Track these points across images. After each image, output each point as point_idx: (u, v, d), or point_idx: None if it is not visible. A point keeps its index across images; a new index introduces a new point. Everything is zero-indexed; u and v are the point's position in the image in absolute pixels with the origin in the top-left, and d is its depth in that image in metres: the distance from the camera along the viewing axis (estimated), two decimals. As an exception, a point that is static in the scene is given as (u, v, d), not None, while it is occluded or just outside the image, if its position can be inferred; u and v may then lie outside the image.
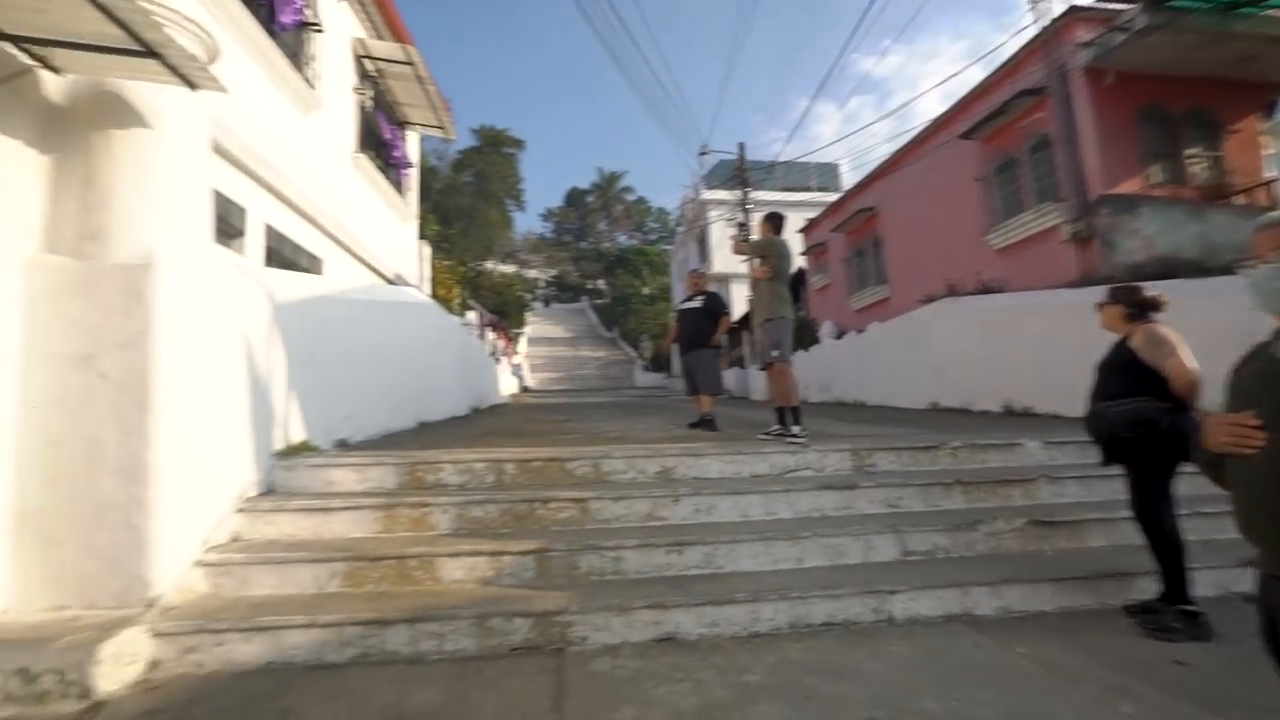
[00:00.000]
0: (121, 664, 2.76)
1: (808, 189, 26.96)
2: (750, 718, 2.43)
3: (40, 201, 3.23)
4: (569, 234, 62.98)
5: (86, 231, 3.20)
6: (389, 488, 4.13)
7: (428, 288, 12.57)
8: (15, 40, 2.85)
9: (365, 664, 2.98)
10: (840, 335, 14.56)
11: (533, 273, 53.67)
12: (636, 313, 31.99)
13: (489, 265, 37.73)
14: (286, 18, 6.30)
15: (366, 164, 8.64)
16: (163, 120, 3.45)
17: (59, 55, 2.95)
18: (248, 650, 2.96)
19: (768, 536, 3.65)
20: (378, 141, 9.44)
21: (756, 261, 5.52)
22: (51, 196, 3.27)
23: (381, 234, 9.43)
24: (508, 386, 15.29)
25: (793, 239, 6.33)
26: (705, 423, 6.34)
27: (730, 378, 18.93)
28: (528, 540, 3.57)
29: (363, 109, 8.84)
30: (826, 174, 29.21)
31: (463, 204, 36.93)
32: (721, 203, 23.54)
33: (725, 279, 24.32)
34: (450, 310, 13.22)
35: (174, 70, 2.96)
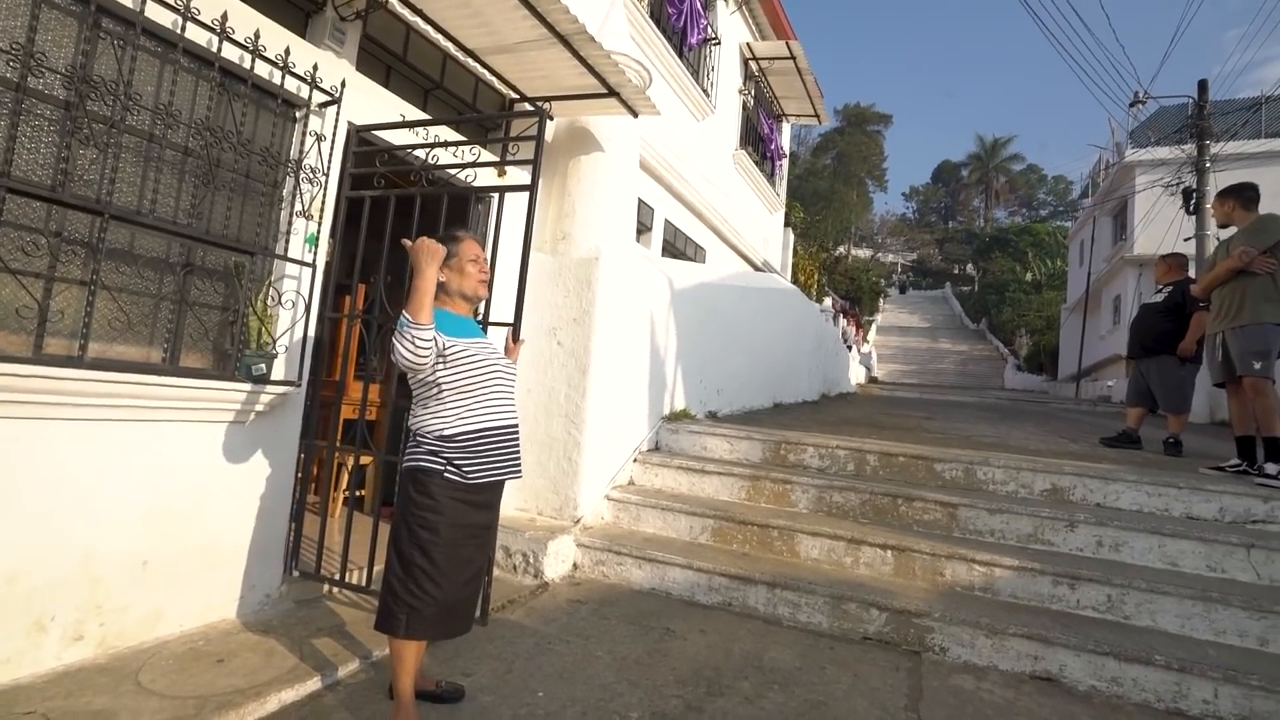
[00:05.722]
0: (559, 560, 3.71)
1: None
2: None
3: (537, 213, 4.42)
4: (934, 214, 57.52)
5: (560, 234, 4.30)
6: (755, 461, 4.52)
7: (789, 274, 12.99)
8: (532, 100, 3.95)
9: (729, 611, 3.39)
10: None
11: (890, 257, 50.49)
12: (1014, 302, 27.33)
13: (841, 250, 36.88)
14: (694, 38, 7.18)
15: (745, 159, 9.32)
16: (611, 143, 4.39)
17: (555, 106, 3.99)
18: (639, 574, 3.66)
19: (1210, 598, 2.89)
20: (756, 137, 10.10)
21: (1241, 250, 4.10)
22: (542, 210, 4.45)
23: (753, 223, 10.10)
24: (856, 375, 14.88)
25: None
26: (1129, 439, 5.19)
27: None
28: (888, 534, 3.53)
29: (745, 107, 9.54)
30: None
31: (820, 188, 36.62)
32: (1159, 164, 18.09)
33: (1145, 263, 18.94)
34: (809, 296, 13.44)
35: (624, 103, 3.72)
